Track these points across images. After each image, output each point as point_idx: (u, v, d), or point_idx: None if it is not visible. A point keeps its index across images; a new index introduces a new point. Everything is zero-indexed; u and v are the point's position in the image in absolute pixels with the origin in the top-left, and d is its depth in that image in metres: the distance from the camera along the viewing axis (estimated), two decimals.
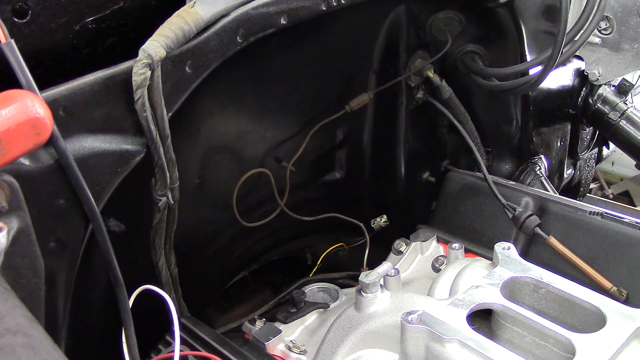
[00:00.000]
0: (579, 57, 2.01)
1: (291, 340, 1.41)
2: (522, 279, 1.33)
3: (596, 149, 2.40)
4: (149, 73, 1.01)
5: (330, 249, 1.90)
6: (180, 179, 1.20)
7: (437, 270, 1.59)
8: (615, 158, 2.95)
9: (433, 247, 1.67)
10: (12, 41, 0.87)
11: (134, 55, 1.01)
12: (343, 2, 1.34)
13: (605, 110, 2.11)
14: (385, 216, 1.88)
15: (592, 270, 1.43)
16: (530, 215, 1.53)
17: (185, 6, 1.09)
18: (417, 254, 1.65)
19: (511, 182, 1.73)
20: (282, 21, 1.24)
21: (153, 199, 1.19)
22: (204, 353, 1.28)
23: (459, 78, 1.82)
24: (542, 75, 1.60)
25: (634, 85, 2.15)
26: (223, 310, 1.84)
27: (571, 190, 2.38)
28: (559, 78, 2.02)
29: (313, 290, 1.60)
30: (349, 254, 1.92)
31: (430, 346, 1.19)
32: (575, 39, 1.61)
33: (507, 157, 1.97)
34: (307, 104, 1.70)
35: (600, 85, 2.09)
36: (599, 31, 1.90)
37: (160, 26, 1.05)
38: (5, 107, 0.80)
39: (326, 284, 1.63)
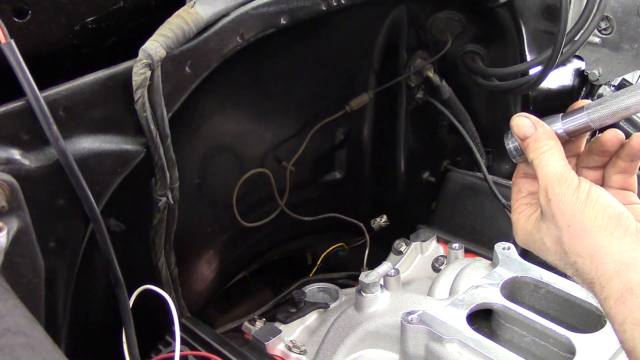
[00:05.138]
0: (579, 57, 2.00)
1: (291, 340, 1.41)
2: (522, 279, 1.33)
3: None
4: (149, 73, 1.01)
5: (330, 249, 1.89)
6: (180, 179, 1.20)
7: (437, 270, 1.59)
8: None
9: (433, 247, 1.67)
10: (12, 41, 0.86)
11: (134, 55, 1.01)
12: (343, 2, 1.34)
13: None
14: (385, 216, 1.88)
15: None
16: None
17: (185, 6, 1.09)
18: (417, 254, 1.65)
19: (511, 182, 1.73)
20: (282, 21, 1.23)
21: (153, 199, 1.19)
22: (204, 353, 1.28)
23: (459, 78, 1.82)
24: (542, 75, 1.60)
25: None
26: (223, 310, 1.84)
27: None
28: (559, 78, 2.01)
29: (313, 290, 1.60)
30: (349, 254, 1.92)
31: (430, 346, 1.19)
32: (575, 39, 1.61)
33: (507, 157, 1.97)
34: (307, 104, 1.70)
35: (600, 85, 2.09)
36: (599, 31, 1.90)
37: (160, 26, 1.05)
38: None
39: (326, 284, 1.63)
